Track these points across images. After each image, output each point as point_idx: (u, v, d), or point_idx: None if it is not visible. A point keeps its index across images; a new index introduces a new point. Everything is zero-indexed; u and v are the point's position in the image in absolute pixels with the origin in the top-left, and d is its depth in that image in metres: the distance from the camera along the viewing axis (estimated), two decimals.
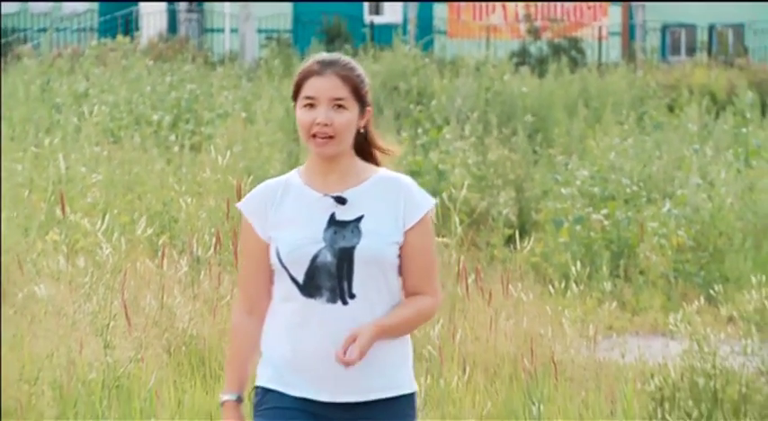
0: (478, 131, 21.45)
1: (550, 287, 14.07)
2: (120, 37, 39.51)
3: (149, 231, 13.32)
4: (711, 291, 14.61)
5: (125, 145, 21.89)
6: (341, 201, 5.58)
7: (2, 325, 11.60)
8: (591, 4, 58.16)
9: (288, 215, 5.66)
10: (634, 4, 57.48)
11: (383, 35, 42.91)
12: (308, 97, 5.59)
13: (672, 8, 59.96)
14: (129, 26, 48.21)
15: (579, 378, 11.68)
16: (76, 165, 18.18)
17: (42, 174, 17.41)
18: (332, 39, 43.10)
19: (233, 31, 48.87)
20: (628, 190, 18.61)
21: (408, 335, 5.80)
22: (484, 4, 56.20)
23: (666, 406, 11.18)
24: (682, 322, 11.97)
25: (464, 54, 34.47)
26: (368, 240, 5.55)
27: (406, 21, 48.37)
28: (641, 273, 16.65)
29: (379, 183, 5.67)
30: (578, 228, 17.54)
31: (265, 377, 5.72)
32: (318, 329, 5.56)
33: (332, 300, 5.56)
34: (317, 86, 5.59)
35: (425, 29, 48.46)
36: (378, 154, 5.84)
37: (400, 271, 5.71)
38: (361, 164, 5.74)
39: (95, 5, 53.66)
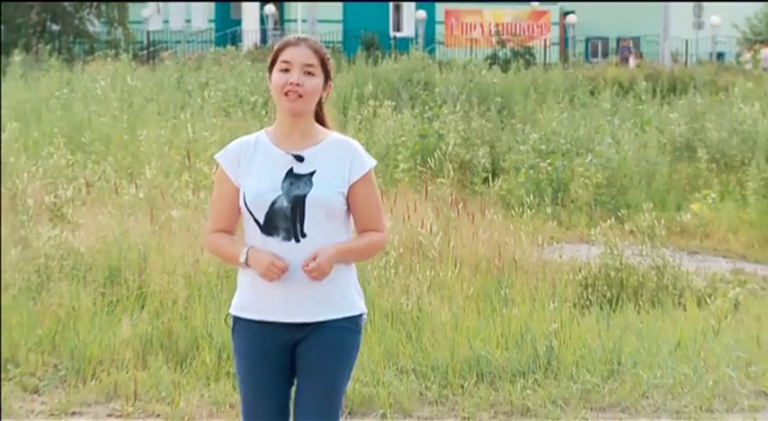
0: (465, 108, 21.07)
1: (512, 211, 14.30)
2: (229, 46, 40.37)
3: None
4: (618, 214, 14.99)
5: (232, 117, 21.58)
6: (299, 158, 5.12)
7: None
8: (540, 23, 60.51)
9: (255, 167, 5.18)
10: (567, 23, 58.27)
11: (402, 45, 43.77)
12: (284, 61, 5.15)
13: (592, 26, 61.79)
14: (235, 39, 49.82)
15: (531, 271, 11.85)
16: (200, 130, 18.10)
17: (178, 136, 17.57)
18: (368, 47, 42.84)
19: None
20: (563, 147, 18.56)
21: (354, 267, 5.31)
22: (469, 23, 59.17)
23: (589, 290, 11.43)
24: (599, 234, 12.44)
25: (455, 57, 34.10)
26: (317, 190, 5.09)
27: (416, 35, 49.06)
28: (572, 201, 16.83)
29: (331, 145, 5.21)
30: (531, 172, 17.56)
31: (236, 306, 5.26)
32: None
33: (287, 238, 5.09)
34: (294, 54, 5.16)
35: (429, 40, 49.30)
36: (328, 120, 5.37)
37: (352, 216, 5.27)
38: (318, 127, 5.28)
39: (213, 25, 55.94)
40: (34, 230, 12.14)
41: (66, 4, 51.29)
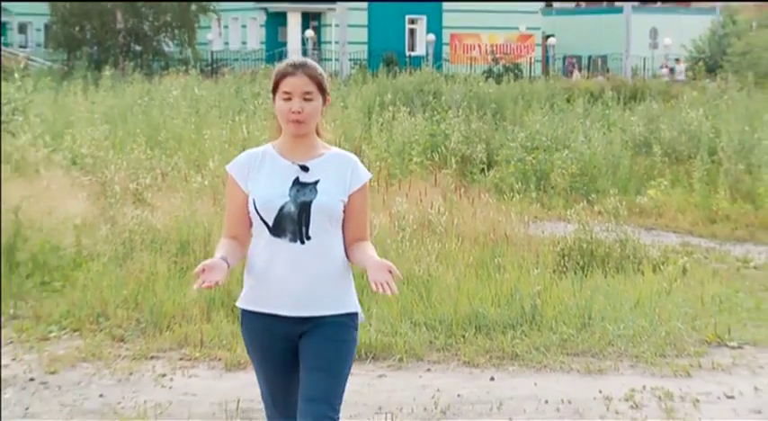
0: (466, 113, 20.80)
1: (504, 196, 14.23)
2: (277, 63, 40.47)
3: None
4: (589, 198, 14.80)
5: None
6: (304, 168, 4.69)
7: None
8: (526, 44, 60.56)
9: (264, 176, 4.71)
10: (548, 44, 58.53)
11: (415, 62, 43.32)
12: (285, 92, 4.68)
13: (568, 46, 61.47)
14: (281, 57, 49.24)
15: (519, 244, 11.83)
16: (253, 131, 17.79)
17: (235, 135, 17.41)
18: (388, 64, 42.78)
19: (336, 60, 49.57)
20: (545, 144, 18.33)
21: (351, 271, 4.82)
22: (469, 44, 59.13)
23: (565, 259, 11.30)
24: (574, 214, 12.29)
25: (458, 72, 33.82)
26: (322, 197, 4.66)
27: (427, 54, 48.93)
28: (552, 188, 16.62)
29: (333, 158, 4.75)
30: (519, 164, 17.43)
31: (244, 300, 4.78)
32: (283, 261, 4.65)
33: (293, 240, 4.64)
34: (292, 84, 4.68)
35: (437, 58, 48.79)
36: (321, 130, 4.86)
37: (343, 224, 4.76)
38: (319, 141, 4.80)
39: (263, 46, 55.84)
40: (120, 211, 12.14)
41: (146, 28, 51.60)
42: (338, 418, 4.62)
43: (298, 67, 4.72)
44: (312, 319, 4.67)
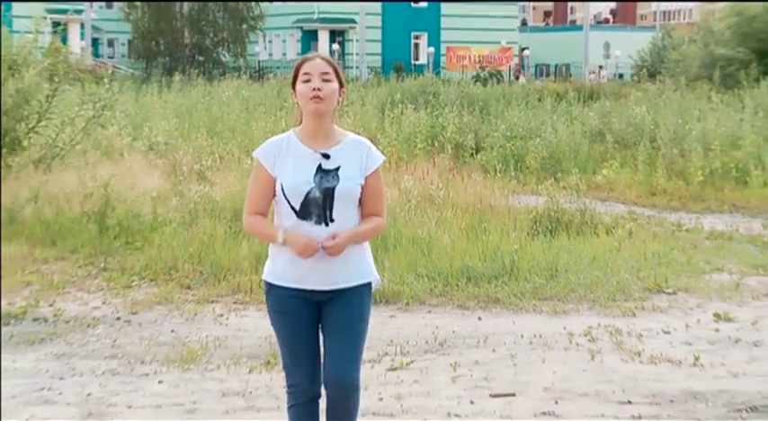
0: (459, 109, 20.45)
1: (488, 174, 14.29)
2: None
3: None
4: (556, 176, 14.91)
5: None
6: (326, 156, 4.15)
7: None
8: (506, 55, 60.82)
9: (289, 163, 4.15)
10: (524, 55, 58.61)
11: (418, 69, 43.76)
12: (305, 73, 4.16)
13: (539, 56, 62.65)
14: None
15: (501, 211, 11.77)
16: (291, 123, 17.23)
17: (277, 127, 16.99)
18: (397, 71, 42.71)
19: (357, 67, 49.44)
20: (521, 134, 18.17)
21: (367, 243, 4.32)
22: (461, 55, 59.34)
23: (537, 224, 11.17)
24: (544, 189, 12.26)
25: (452, 77, 33.81)
26: (344, 183, 4.14)
27: (428, 63, 49.15)
28: (527, 168, 16.36)
29: (350, 144, 4.22)
30: (500, 149, 17.21)
31: (271, 274, 4.25)
32: None
33: (318, 222, 4.12)
34: (312, 66, 4.16)
35: (436, 66, 49.24)
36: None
37: (360, 203, 4.24)
38: (337, 129, 4.26)
39: (299, 57, 56.12)
40: (187, 186, 12.15)
41: (207, 43, 51.94)
42: (359, 375, 4.27)
43: (315, 55, 4.27)
44: (333, 292, 4.20)
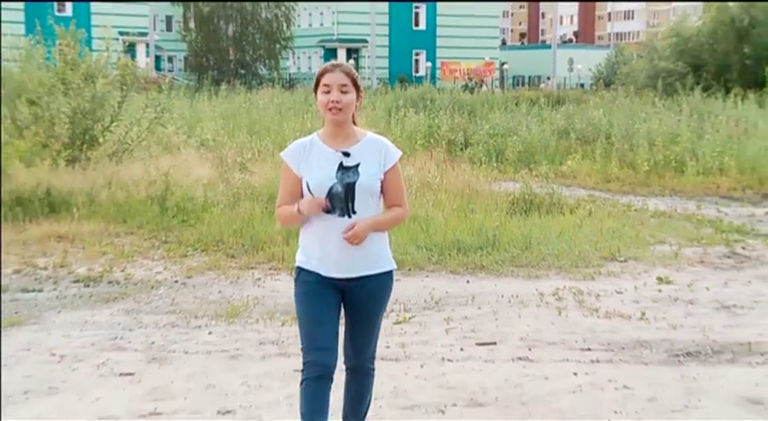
0: (451, 112, 20.43)
1: (475, 165, 14.25)
2: None
3: None
4: (529, 167, 14.66)
5: None
6: (347, 154, 3.74)
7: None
8: (490, 68, 60.02)
9: (314, 162, 3.73)
10: (504, 68, 58.41)
11: (418, 80, 43.71)
12: (325, 85, 3.74)
13: (516, 69, 62.77)
14: None
15: (485, 195, 11.57)
16: (316, 125, 15.88)
17: (304, 127, 16.79)
18: (401, 81, 42.53)
19: (368, 78, 48.97)
20: (501, 132, 17.95)
21: (387, 233, 3.89)
22: (453, 68, 58.67)
23: (514, 205, 11.01)
24: (520, 177, 12.23)
25: (446, 86, 33.65)
26: (363, 178, 3.73)
27: (426, 75, 48.79)
28: (506, 160, 16.13)
29: (369, 142, 3.81)
30: (485, 145, 17.04)
31: (302, 260, 3.81)
32: (334, 233, 3.71)
33: (342, 215, 3.71)
34: (331, 78, 3.74)
35: (433, 77, 48.91)
36: (356, 120, 3.88)
37: (383, 195, 3.82)
38: (355, 128, 3.84)
39: None
40: (231, 175, 12.09)
41: (247, 58, 52.15)
42: (375, 357, 4.00)
43: (336, 66, 3.80)
44: (357, 279, 3.79)
